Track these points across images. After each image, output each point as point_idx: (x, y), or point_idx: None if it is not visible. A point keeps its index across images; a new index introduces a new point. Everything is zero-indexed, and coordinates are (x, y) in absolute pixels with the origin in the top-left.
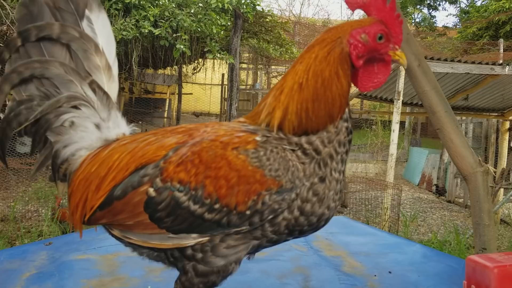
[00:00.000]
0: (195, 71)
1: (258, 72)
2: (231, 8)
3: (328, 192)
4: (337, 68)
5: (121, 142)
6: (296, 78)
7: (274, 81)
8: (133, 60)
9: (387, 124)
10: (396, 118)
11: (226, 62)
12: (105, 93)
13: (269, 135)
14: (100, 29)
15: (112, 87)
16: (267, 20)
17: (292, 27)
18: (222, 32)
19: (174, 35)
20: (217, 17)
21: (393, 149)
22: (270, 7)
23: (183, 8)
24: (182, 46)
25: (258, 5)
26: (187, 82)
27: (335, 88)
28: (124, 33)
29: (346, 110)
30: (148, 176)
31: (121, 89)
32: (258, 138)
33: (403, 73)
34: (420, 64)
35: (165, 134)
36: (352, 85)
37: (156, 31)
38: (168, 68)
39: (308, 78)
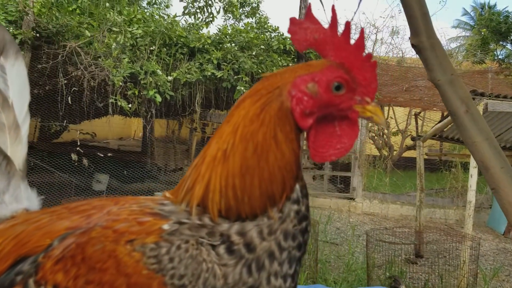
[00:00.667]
0: None
1: None
2: (293, 49)
3: None
4: (274, 131)
5: (11, 223)
6: (220, 143)
7: None
8: (196, 102)
9: (468, 167)
10: (474, 162)
11: None
12: (5, 157)
13: (185, 221)
14: (14, 79)
15: (17, 150)
16: None
17: None
18: None
19: (236, 77)
20: (279, 58)
21: (471, 196)
22: None
23: (245, 51)
24: (243, 88)
25: None
26: None
27: (272, 158)
28: (188, 76)
29: (297, 187)
30: (22, 274)
31: (193, 129)
32: (165, 227)
33: (480, 107)
34: (468, 110)
35: (61, 213)
36: (423, 122)
37: (219, 74)
38: None
39: (235, 143)
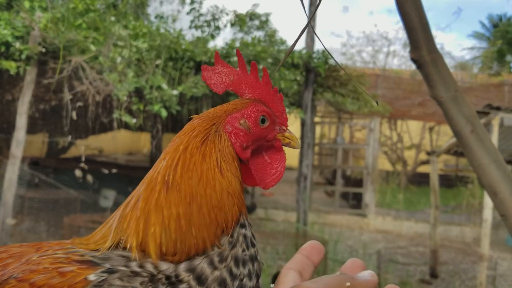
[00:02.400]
0: None
1: (339, 126)
2: (301, 63)
3: None
4: (217, 161)
5: None
6: (159, 178)
7: (358, 134)
8: None
9: None
10: None
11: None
12: None
13: (118, 269)
14: None
15: None
16: (341, 74)
17: (368, 80)
18: (295, 87)
19: None
20: (287, 72)
21: (487, 214)
22: (353, 60)
23: None
24: None
25: (329, 59)
26: None
27: (219, 186)
28: (194, 90)
29: (243, 212)
30: None
31: None
32: (90, 277)
33: (496, 128)
34: (473, 129)
35: None
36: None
37: None
38: None
39: (176, 174)
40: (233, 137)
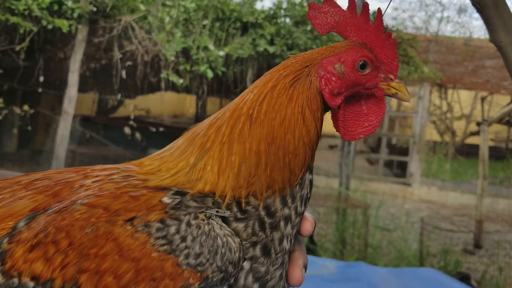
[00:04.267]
0: None
1: None
2: None
3: (274, 272)
4: (302, 107)
5: None
6: (245, 109)
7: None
8: (247, 79)
9: None
10: None
11: None
12: None
13: (186, 191)
14: None
15: None
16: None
17: (421, 45)
18: None
19: (289, 52)
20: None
21: None
22: (404, 24)
23: (300, 25)
24: None
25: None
26: None
27: (298, 133)
28: (240, 51)
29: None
30: None
31: None
32: (166, 200)
33: None
34: None
35: (15, 191)
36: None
37: (272, 49)
38: None
39: (262, 111)
40: (323, 82)
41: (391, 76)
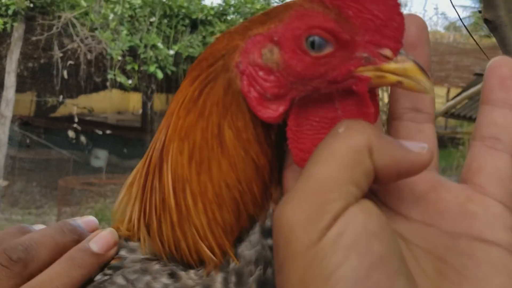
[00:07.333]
0: None
1: None
2: None
3: None
4: (218, 126)
5: None
6: (154, 140)
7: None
8: None
9: None
10: None
11: None
12: None
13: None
14: None
15: None
16: None
17: None
18: None
19: None
20: None
21: None
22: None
23: None
24: None
25: None
26: None
27: (216, 170)
28: (191, 50)
29: (270, 211)
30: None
31: None
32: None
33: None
34: None
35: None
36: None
37: None
38: None
39: (165, 144)
40: (246, 81)
41: (386, 52)
